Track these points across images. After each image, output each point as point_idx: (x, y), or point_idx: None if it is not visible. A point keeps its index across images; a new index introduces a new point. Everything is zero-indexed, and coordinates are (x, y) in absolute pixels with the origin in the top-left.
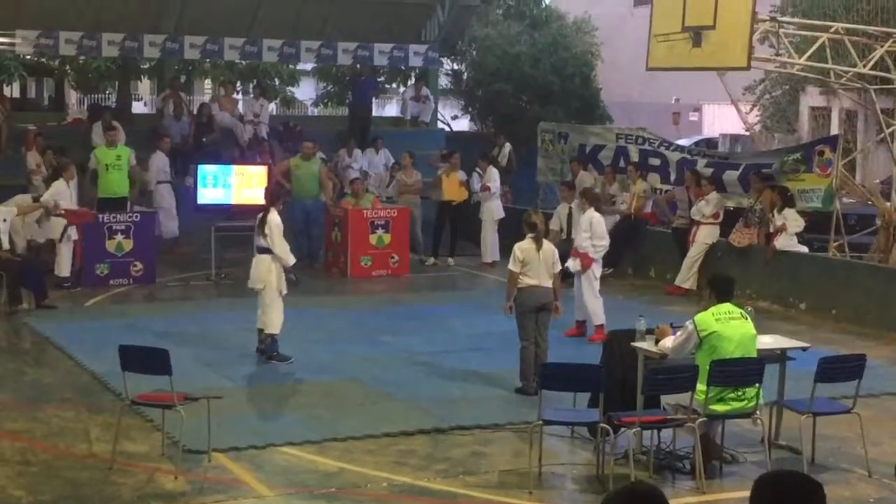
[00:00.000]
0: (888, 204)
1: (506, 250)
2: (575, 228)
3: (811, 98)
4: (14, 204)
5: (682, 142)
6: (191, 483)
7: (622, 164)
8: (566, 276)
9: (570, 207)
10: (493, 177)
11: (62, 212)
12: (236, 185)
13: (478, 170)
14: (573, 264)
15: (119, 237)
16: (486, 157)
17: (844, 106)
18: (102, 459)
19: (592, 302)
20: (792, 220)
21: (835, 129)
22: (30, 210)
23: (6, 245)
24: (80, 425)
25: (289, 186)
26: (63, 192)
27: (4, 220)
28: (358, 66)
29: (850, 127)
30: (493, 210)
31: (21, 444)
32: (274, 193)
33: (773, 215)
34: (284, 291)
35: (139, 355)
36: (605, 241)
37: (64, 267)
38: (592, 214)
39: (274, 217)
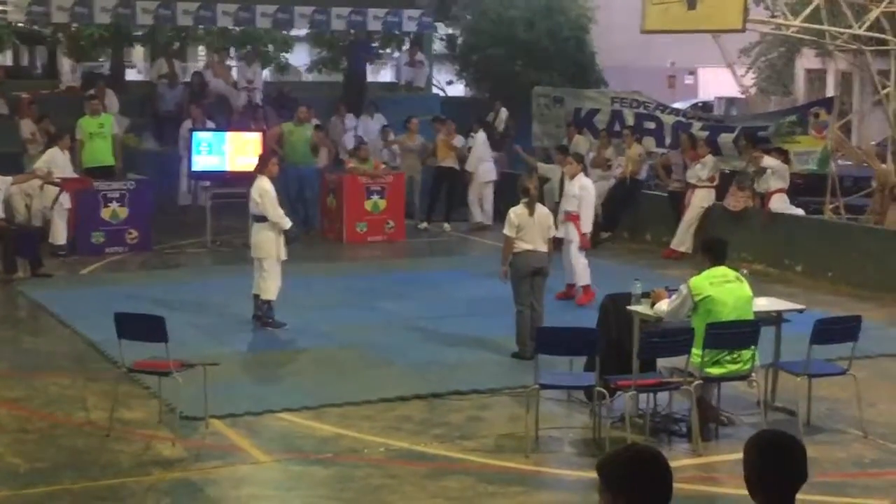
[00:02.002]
0: (884, 166)
1: (499, 215)
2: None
3: (807, 60)
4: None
5: (677, 105)
6: (188, 449)
7: (617, 127)
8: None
9: (563, 171)
10: (479, 142)
11: (58, 180)
12: (230, 152)
13: (472, 134)
14: (565, 231)
15: (114, 205)
16: (479, 122)
17: (840, 68)
18: (100, 427)
19: (578, 263)
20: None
21: (830, 91)
22: (25, 179)
23: (1, 213)
24: (76, 393)
25: (281, 152)
26: (57, 160)
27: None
28: (352, 31)
29: (845, 89)
30: (482, 173)
31: (18, 412)
32: (261, 160)
33: (761, 160)
34: (283, 257)
35: (135, 322)
36: (591, 211)
37: (59, 235)
38: (583, 181)
39: (263, 184)
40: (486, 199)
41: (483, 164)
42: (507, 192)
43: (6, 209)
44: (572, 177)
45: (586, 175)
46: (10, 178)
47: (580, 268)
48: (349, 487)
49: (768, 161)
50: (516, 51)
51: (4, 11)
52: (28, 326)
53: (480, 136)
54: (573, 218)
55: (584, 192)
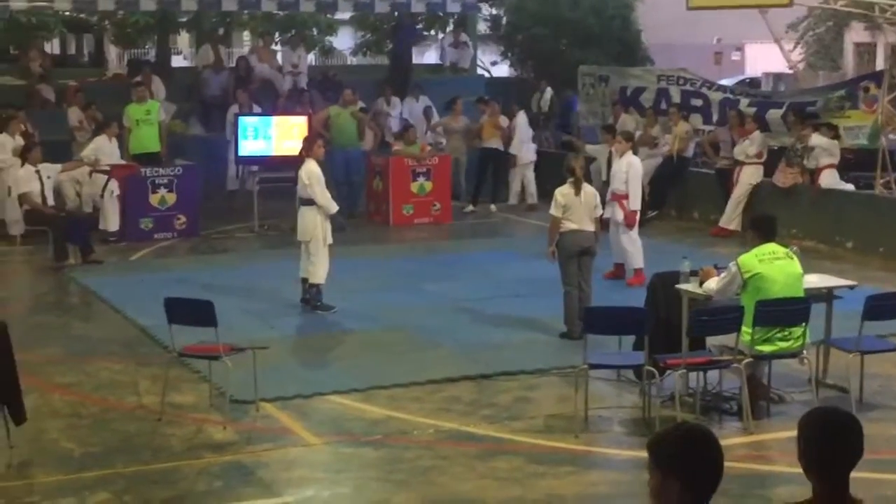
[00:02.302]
0: None
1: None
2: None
3: (855, 34)
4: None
5: (724, 82)
6: (239, 433)
7: (664, 105)
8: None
9: (611, 151)
10: (520, 123)
11: (108, 167)
12: (277, 136)
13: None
14: (612, 211)
15: (162, 191)
16: (519, 104)
17: (890, 41)
18: (152, 411)
19: (629, 245)
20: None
21: (880, 65)
22: (73, 167)
23: (51, 201)
24: (128, 378)
25: (328, 136)
26: (104, 148)
27: (48, 178)
28: (396, 13)
29: (895, 62)
30: (524, 155)
31: (71, 397)
32: (308, 142)
33: (809, 139)
34: (330, 241)
35: (185, 307)
36: (639, 190)
37: (111, 222)
38: (631, 159)
39: (312, 167)
40: (528, 179)
41: (525, 146)
42: (552, 173)
43: (56, 197)
44: (621, 155)
45: (635, 153)
46: (58, 166)
47: (633, 249)
48: (399, 469)
49: (816, 139)
50: (561, 30)
51: (52, 0)
52: (79, 312)
53: (522, 118)
54: (620, 197)
55: (631, 170)
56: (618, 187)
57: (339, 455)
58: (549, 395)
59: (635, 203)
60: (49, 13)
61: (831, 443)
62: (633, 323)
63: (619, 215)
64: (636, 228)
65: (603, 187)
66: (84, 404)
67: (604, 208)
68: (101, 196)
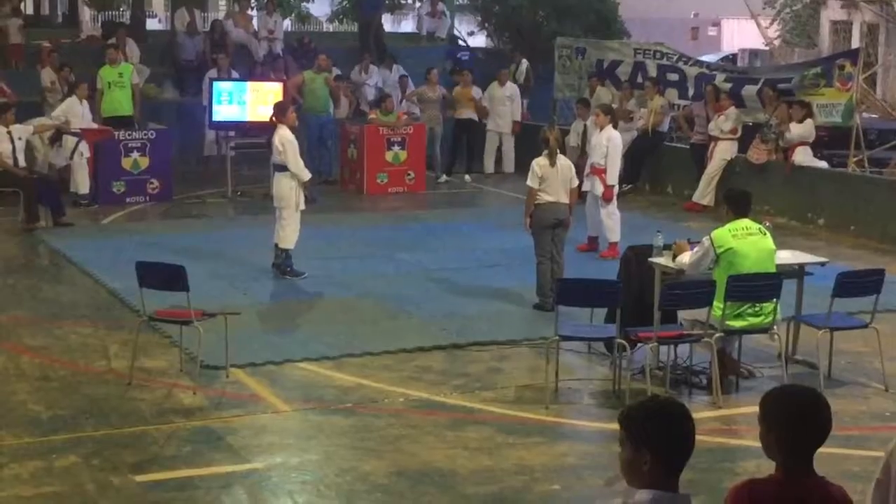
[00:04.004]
0: None
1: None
2: (590, 145)
3: (832, 11)
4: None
5: (705, 58)
6: (209, 398)
7: (640, 79)
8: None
9: (586, 124)
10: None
11: (79, 130)
12: (251, 102)
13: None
14: (591, 185)
15: (135, 155)
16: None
17: (866, 19)
18: (121, 375)
19: (608, 218)
20: (806, 129)
21: (856, 43)
22: (45, 129)
23: (23, 163)
24: (98, 342)
25: (301, 101)
26: (75, 110)
27: (20, 139)
28: None
29: (871, 40)
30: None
31: (40, 360)
32: (280, 108)
33: (788, 129)
34: (302, 207)
35: (156, 272)
36: (617, 164)
37: (82, 184)
38: (611, 133)
39: (285, 133)
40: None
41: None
42: (528, 144)
43: (28, 158)
44: (601, 128)
45: (614, 127)
46: (31, 127)
47: (611, 223)
48: (369, 437)
49: (795, 129)
50: (538, 1)
51: None
52: (49, 275)
53: (514, 88)
54: (600, 171)
55: (611, 144)
56: (597, 161)
57: (309, 422)
58: (520, 366)
59: (613, 177)
60: None
61: (799, 424)
62: (605, 295)
63: (599, 189)
64: (615, 202)
65: (578, 160)
66: (53, 367)
67: (581, 181)
68: (70, 158)
